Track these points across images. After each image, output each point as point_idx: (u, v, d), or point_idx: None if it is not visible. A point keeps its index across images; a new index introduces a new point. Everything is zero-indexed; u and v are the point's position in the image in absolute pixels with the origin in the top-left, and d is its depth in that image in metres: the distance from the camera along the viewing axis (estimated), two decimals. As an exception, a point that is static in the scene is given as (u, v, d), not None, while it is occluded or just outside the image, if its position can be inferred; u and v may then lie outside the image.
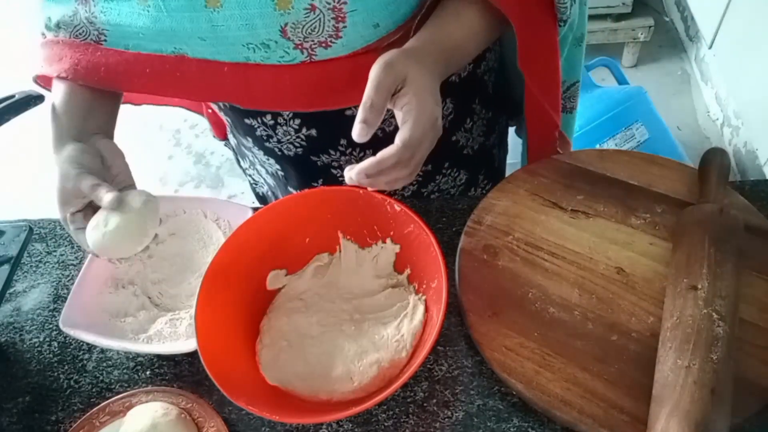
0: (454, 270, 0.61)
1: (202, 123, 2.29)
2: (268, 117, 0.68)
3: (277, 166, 0.78)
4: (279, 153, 0.74)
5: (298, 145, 0.71)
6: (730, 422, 0.46)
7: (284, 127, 0.69)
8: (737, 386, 0.49)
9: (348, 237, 0.64)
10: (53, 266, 0.71)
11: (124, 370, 0.61)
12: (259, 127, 0.71)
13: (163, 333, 0.60)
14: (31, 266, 0.72)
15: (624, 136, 1.59)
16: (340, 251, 0.64)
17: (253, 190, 0.96)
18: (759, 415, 0.49)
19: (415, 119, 0.49)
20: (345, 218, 0.62)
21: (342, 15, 0.54)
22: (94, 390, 0.60)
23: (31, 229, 0.74)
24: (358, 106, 0.54)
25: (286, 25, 0.54)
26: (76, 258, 0.72)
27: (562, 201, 0.66)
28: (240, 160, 0.91)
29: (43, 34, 0.64)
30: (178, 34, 0.57)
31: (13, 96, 0.62)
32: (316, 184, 0.78)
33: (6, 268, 0.69)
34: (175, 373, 0.60)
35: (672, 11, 2.36)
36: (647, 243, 0.62)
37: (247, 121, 0.71)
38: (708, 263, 0.54)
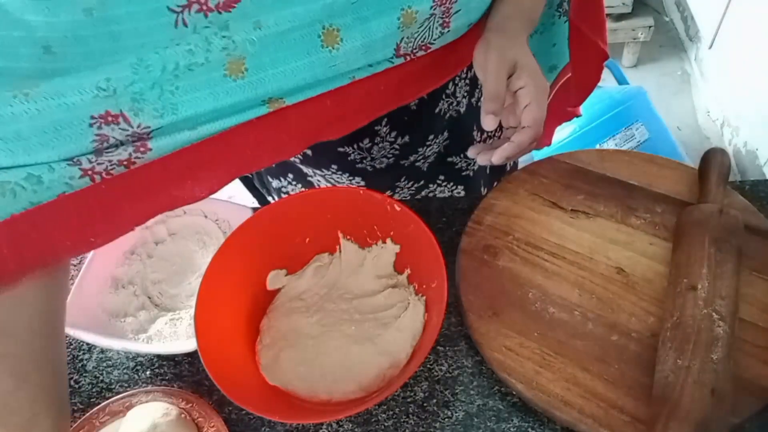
0: (454, 270, 0.61)
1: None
2: (366, 141, 0.69)
3: (363, 183, 0.77)
4: (370, 170, 0.74)
5: (390, 155, 0.72)
6: (730, 422, 0.46)
7: (380, 145, 0.70)
8: (737, 386, 0.49)
9: (348, 237, 0.64)
10: (53, 266, 0.71)
11: (124, 370, 0.61)
12: (352, 153, 0.70)
13: (163, 333, 0.60)
14: (31, 266, 0.72)
15: (624, 136, 1.59)
16: (340, 251, 0.64)
17: None
18: (759, 415, 0.49)
19: (537, 99, 0.53)
20: (345, 218, 0.62)
21: (448, 21, 0.54)
22: (94, 390, 0.60)
23: (31, 229, 0.74)
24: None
25: (401, 40, 0.52)
26: (76, 258, 0.71)
27: (562, 201, 0.66)
28: (269, 179, 0.85)
29: None
30: (276, 88, 0.48)
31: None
32: (400, 185, 0.78)
33: (6, 268, 0.69)
34: (175, 373, 0.60)
35: (672, 11, 2.36)
36: (647, 243, 0.62)
37: (340, 149, 0.70)
38: (708, 263, 0.54)
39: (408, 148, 0.72)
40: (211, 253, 0.65)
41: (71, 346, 0.63)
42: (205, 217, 0.68)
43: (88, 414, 0.56)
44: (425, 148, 0.74)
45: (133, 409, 0.55)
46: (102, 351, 0.62)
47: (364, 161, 0.72)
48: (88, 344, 0.63)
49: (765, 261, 0.58)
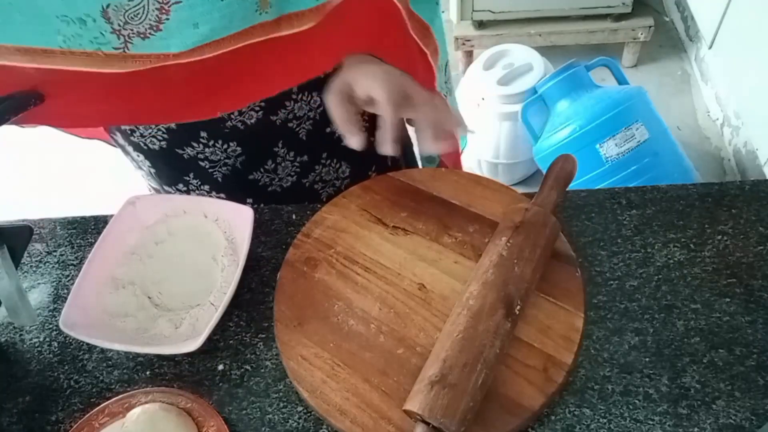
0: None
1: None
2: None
3: (148, 162, 0.76)
4: (145, 147, 0.73)
5: (160, 138, 0.71)
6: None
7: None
8: (499, 404, 0.50)
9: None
10: (53, 266, 0.71)
11: (124, 370, 0.61)
12: None
13: (163, 333, 0.60)
14: (31, 266, 0.72)
15: (624, 136, 1.59)
16: None
17: None
18: (759, 417, 0.49)
19: (372, 86, 0.58)
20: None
21: (167, 7, 0.50)
22: (94, 390, 0.60)
23: (31, 229, 0.74)
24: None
25: (108, 6, 0.49)
26: (76, 258, 0.71)
27: (386, 217, 0.67)
28: None
29: None
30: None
31: (13, 96, 0.61)
32: (188, 178, 0.76)
33: (6, 268, 0.69)
34: (175, 373, 0.60)
35: (672, 11, 2.37)
36: (452, 261, 0.62)
37: None
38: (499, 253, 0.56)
39: (177, 136, 0.71)
40: (211, 253, 0.65)
41: (71, 346, 0.63)
42: (205, 217, 0.68)
43: (86, 416, 0.56)
44: (203, 146, 0.72)
45: (133, 410, 0.55)
46: (102, 351, 0.62)
47: (135, 134, 0.71)
48: (88, 344, 0.63)
49: (557, 284, 0.58)
